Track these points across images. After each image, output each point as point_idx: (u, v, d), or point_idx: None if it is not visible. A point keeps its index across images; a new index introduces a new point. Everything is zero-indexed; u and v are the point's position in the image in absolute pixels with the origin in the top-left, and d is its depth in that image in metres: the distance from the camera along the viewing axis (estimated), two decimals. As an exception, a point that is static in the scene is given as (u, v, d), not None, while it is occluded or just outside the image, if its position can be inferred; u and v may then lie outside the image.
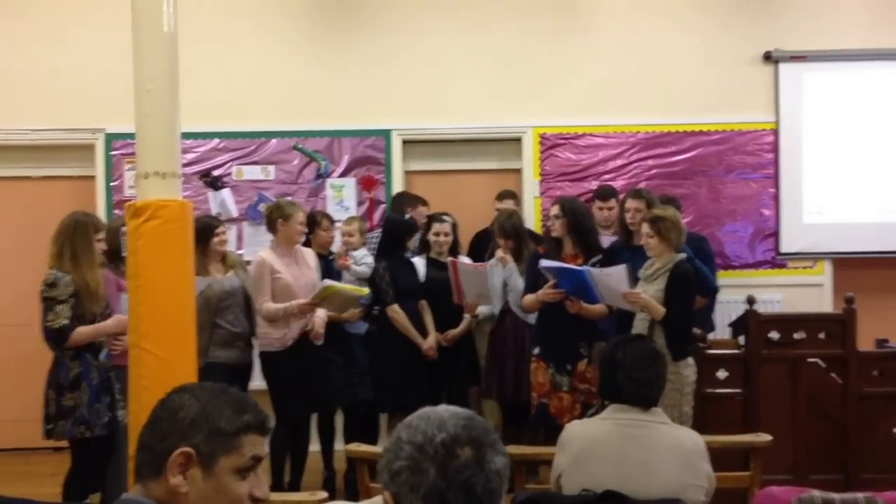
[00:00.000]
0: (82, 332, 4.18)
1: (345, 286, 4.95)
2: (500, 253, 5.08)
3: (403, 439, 1.41)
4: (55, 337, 4.16)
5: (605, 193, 5.81)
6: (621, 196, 5.61)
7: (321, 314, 4.96)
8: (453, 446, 1.38)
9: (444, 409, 1.45)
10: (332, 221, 5.54)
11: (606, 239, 5.43)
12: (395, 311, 5.15)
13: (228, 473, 1.58)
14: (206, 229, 4.86)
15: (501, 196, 5.95)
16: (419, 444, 1.39)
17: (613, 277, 4.41)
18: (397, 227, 5.35)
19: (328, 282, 4.89)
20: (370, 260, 5.34)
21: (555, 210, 4.79)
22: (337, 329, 5.18)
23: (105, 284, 4.44)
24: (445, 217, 5.41)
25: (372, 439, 5.21)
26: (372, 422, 5.48)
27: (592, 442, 2.76)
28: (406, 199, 5.85)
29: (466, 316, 5.31)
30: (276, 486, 4.85)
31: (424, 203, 5.83)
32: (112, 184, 6.33)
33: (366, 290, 5.04)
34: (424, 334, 5.19)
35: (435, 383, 5.13)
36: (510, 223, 5.21)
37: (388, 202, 6.34)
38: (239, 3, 6.40)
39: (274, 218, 4.96)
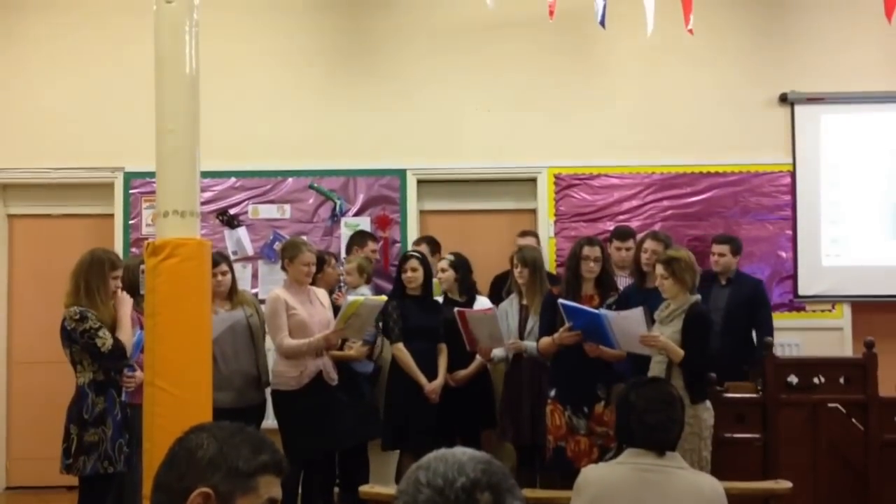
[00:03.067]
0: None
1: (367, 297, 4.95)
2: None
3: (422, 482, 1.38)
4: (114, 354, 4.21)
5: (624, 233, 5.82)
6: (639, 237, 5.65)
7: (329, 362, 4.95)
8: (473, 491, 1.36)
9: (462, 452, 1.43)
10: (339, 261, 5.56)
11: (621, 281, 5.42)
12: (399, 350, 5.14)
13: None
14: None
15: (524, 233, 5.99)
16: (439, 487, 1.36)
17: (631, 320, 4.38)
18: (399, 263, 5.39)
19: (351, 298, 4.88)
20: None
21: (596, 252, 4.73)
22: (345, 368, 5.16)
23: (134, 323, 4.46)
24: (448, 255, 5.46)
25: (363, 478, 5.15)
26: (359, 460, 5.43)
27: (609, 487, 2.72)
28: (354, 239, 5.93)
29: (496, 353, 5.27)
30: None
31: (375, 239, 5.98)
32: (130, 222, 6.37)
33: (384, 298, 5.04)
34: (430, 375, 5.15)
35: (447, 425, 5.08)
36: (531, 255, 5.23)
37: (402, 242, 6.36)
38: (256, 44, 6.47)
39: (283, 257, 5.00)
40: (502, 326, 5.06)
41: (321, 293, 5.13)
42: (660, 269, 4.49)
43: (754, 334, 5.52)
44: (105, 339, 4.18)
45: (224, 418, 1.80)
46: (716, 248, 5.70)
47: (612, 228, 6.18)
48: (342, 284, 5.63)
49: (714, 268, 5.72)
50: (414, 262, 5.30)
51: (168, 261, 3.44)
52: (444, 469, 1.38)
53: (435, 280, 5.51)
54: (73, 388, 4.30)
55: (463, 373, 5.26)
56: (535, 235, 6.06)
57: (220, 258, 5.05)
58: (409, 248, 6.05)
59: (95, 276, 4.27)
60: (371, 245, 5.85)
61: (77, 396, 4.25)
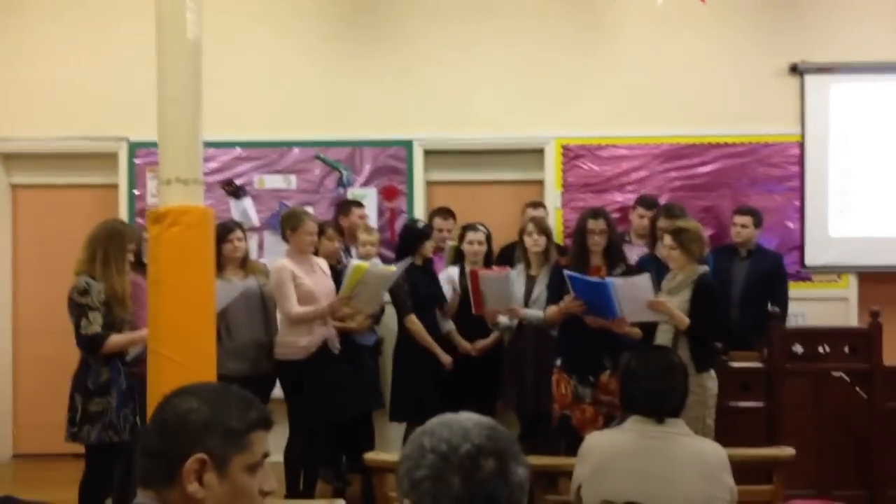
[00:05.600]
0: (116, 340, 4.22)
1: (373, 265, 4.89)
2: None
3: (426, 447, 1.38)
4: (89, 344, 4.18)
5: (649, 202, 5.81)
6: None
7: (332, 331, 4.96)
8: (478, 457, 1.36)
9: (467, 418, 1.43)
10: (340, 231, 5.49)
11: (638, 250, 5.42)
12: (413, 322, 5.13)
13: (241, 472, 1.59)
14: (219, 233, 4.85)
15: (535, 204, 5.96)
16: (443, 453, 1.36)
17: (638, 286, 4.38)
18: (409, 234, 5.36)
19: (355, 262, 4.82)
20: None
21: (601, 224, 4.68)
22: (347, 340, 5.17)
23: (139, 292, 4.44)
24: (479, 226, 5.41)
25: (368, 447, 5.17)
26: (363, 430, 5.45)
27: (613, 453, 2.73)
28: (340, 209, 5.88)
29: (502, 320, 5.25)
30: (292, 495, 4.83)
31: (360, 205, 5.88)
32: (135, 192, 6.37)
33: (393, 268, 4.96)
34: (441, 343, 5.18)
35: (460, 395, 5.09)
36: (546, 224, 5.24)
37: (409, 212, 6.35)
38: (262, 12, 6.43)
39: (284, 227, 4.98)
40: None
41: (322, 262, 5.12)
42: (668, 239, 4.48)
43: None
44: (90, 325, 4.16)
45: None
46: (738, 220, 5.68)
47: (620, 200, 6.22)
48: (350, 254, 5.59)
49: (735, 238, 5.71)
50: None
51: (171, 229, 3.43)
52: (449, 434, 1.38)
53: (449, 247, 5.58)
54: (77, 357, 4.31)
55: (483, 342, 5.26)
56: (545, 206, 6.05)
57: (234, 225, 5.09)
58: (417, 217, 6.06)
59: (115, 247, 4.27)
60: (357, 212, 5.78)
61: (81, 366, 4.26)
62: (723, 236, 6.09)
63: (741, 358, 4.88)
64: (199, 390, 1.65)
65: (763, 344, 4.95)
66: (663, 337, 4.39)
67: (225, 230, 4.94)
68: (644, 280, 4.39)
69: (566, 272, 4.59)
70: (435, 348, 5.12)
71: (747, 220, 5.65)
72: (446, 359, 5.13)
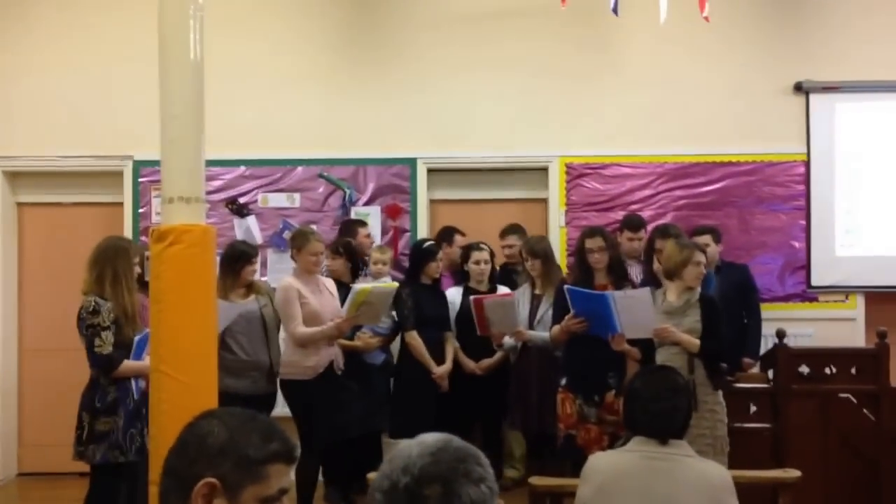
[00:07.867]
0: (129, 366, 4.20)
1: (376, 284, 4.95)
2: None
3: (374, 486, 1.37)
4: (104, 364, 4.16)
5: (636, 224, 5.75)
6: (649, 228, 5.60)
7: (338, 350, 4.94)
8: (419, 488, 1.33)
9: (416, 444, 1.40)
10: (350, 250, 5.45)
11: (633, 270, 5.38)
12: (413, 338, 5.13)
13: None
14: (241, 257, 4.90)
15: (504, 233, 5.91)
16: (386, 491, 1.35)
17: (638, 300, 4.35)
18: (416, 253, 5.35)
19: (358, 286, 4.85)
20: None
21: (598, 242, 4.68)
22: (355, 359, 5.15)
23: (143, 310, 4.45)
24: (483, 245, 5.40)
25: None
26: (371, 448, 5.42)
27: (616, 474, 2.71)
28: (343, 230, 5.85)
29: (507, 341, 5.23)
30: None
31: (363, 224, 5.87)
32: (140, 210, 6.38)
33: (395, 284, 4.99)
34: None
35: (466, 415, 5.08)
36: (540, 246, 5.20)
37: (412, 231, 6.35)
38: (265, 31, 6.46)
39: (292, 247, 5.01)
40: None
41: (328, 282, 5.13)
42: (701, 256, 4.48)
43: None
44: (104, 344, 4.14)
45: (237, 405, 1.78)
46: (699, 240, 5.61)
47: (622, 218, 6.13)
48: (367, 271, 5.58)
49: None
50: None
51: (173, 247, 3.41)
52: (390, 470, 1.36)
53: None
54: (83, 375, 4.30)
55: (488, 361, 5.24)
56: (517, 232, 5.91)
57: (251, 248, 5.15)
58: (422, 237, 6.05)
59: (122, 264, 4.25)
60: (362, 231, 5.78)
61: (90, 384, 4.24)
62: (729, 256, 6.05)
63: (747, 379, 4.85)
64: (225, 415, 1.62)
65: (769, 365, 4.92)
66: (676, 359, 4.31)
67: (246, 255, 4.98)
68: (644, 294, 4.37)
69: (566, 286, 4.58)
70: (430, 364, 5.12)
71: (708, 238, 5.55)
72: (440, 372, 5.14)
